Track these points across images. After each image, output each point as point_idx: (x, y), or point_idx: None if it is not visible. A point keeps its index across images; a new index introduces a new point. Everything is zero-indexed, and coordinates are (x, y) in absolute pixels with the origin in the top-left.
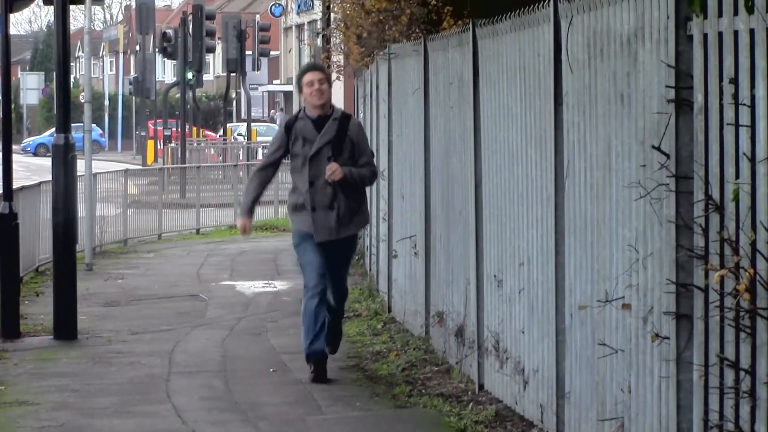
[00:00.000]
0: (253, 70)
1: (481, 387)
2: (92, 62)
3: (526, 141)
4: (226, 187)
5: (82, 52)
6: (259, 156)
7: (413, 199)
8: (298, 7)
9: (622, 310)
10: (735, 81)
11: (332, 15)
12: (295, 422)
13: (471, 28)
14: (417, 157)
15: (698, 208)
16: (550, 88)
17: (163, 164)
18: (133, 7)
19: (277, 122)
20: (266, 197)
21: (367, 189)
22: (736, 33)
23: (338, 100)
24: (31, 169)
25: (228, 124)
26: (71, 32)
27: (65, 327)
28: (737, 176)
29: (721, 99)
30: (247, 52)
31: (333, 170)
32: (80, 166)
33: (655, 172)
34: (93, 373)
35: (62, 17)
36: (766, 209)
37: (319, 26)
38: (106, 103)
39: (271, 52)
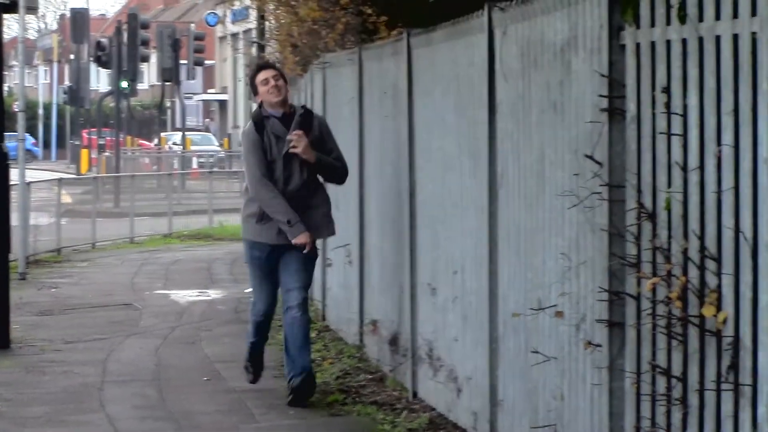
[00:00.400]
0: (188, 79)
1: (414, 395)
2: (26, 71)
3: (460, 150)
4: (160, 196)
5: (16, 60)
6: (194, 165)
7: (347, 207)
8: (233, 16)
9: (555, 318)
10: (667, 90)
11: (267, 24)
12: (229, 431)
13: (405, 38)
14: (351, 166)
15: (631, 217)
16: (484, 98)
17: (97, 173)
18: (68, 16)
19: (212, 131)
20: (200, 206)
21: None
22: (668, 43)
23: None
24: None
25: (162, 133)
26: (5, 41)
27: None
28: (669, 185)
29: (653, 108)
30: (182, 61)
31: (299, 136)
32: (13, 174)
33: (588, 180)
34: (26, 383)
35: None
36: (698, 218)
37: (254, 35)
38: (41, 112)
39: (206, 62)
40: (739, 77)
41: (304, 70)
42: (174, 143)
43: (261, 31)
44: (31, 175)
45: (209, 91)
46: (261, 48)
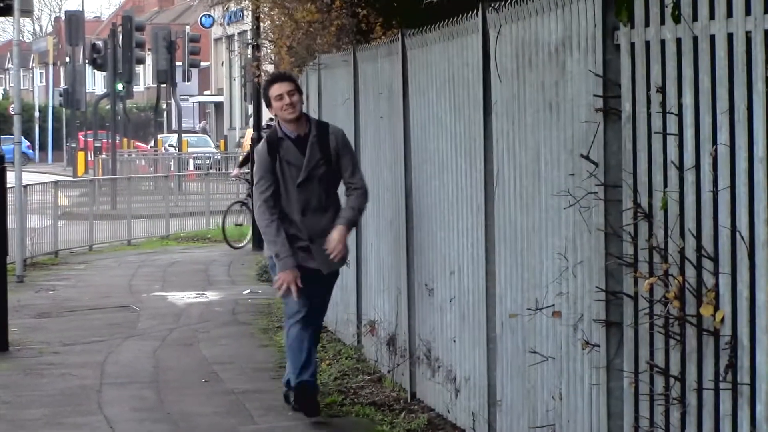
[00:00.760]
0: (184, 81)
1: (413, 395)
2: (22, 74)
3: (456, 150)
4: (157, 198)
5: (12, 63)
6: (191, 167)
7: None
8: (228, 17)
9: (552, 318)
10: (662, 90)
11: (262, 25)
12: None
13: (400, 38)
14: None
15: (627, 216)
16: (479, 98)
17: (94, 176)
18: (63, 18)
19: (202, 130)
20: (197, 208)
21: None
22: (663, 42)
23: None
24: None
25: (159, 135)
26: (0, 44)
27: None
28: (665, 184)
29: (648, 108)
30: (177, 63)
31: (337, 249)
32: (10, 177)
33: (584, 180)
34: (24, 385)
35: None
36: (695, 217)
37: (249, 37)
38: (37, 114)
39: (202, 63)
40: (734, 76)
41: (300, 71)
42: (170, 145)
43: (256, 33)
44: (28, 177)
45: (205, 92)
46: (256, 49)
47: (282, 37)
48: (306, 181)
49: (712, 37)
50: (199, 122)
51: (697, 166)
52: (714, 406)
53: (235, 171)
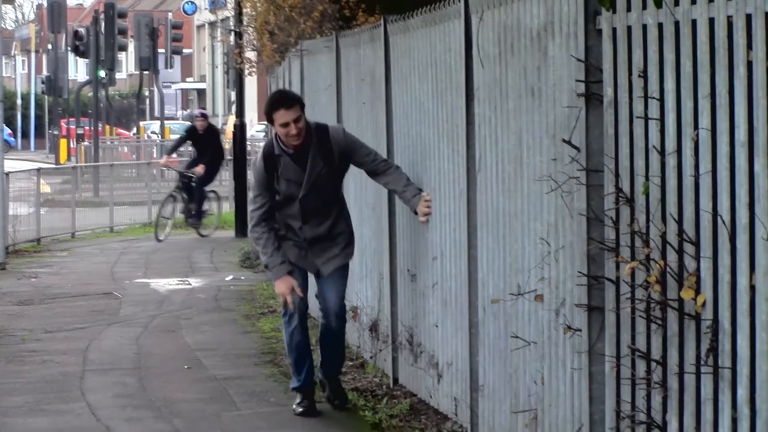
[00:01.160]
0: (166, 68)
1: (395, 381)
2: (4, 61)
3: (438, 136)
4: (139, 185)
5: None
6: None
7: None
8: (211, 4)
9: (534, 303)
10: (644, 75)
11: (244, 11)
12: (210, 418)
13: (383, 24)
14: None
15: (609, 201)
16: (462, 83)
17: (76, 163)
18: (45, 5)
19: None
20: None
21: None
22: (644, 27)
23: (252, 97)
24: None
25: (141, 122)
26: None
27: None
28: (647, 169)
29: (630, 93)
30: (160, 50)
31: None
32: None
33: (566, 165)
34: (7, 372)
35: None
36: (676, 202)
37: (231, 23)
38: (19, 102)
39: (184, 50)
40: (715, 61)
41: (282, 58)
42: (153, 132)
43: (238, 19)
44: (10, 165)
45: (187, 79)
46: (238, 36)
47: (264, 24)
48: (308, 195)
49: (694, 22)
50: (182, 110)
51: (679, 151)
52: (695, 390)
53: (163, 159)
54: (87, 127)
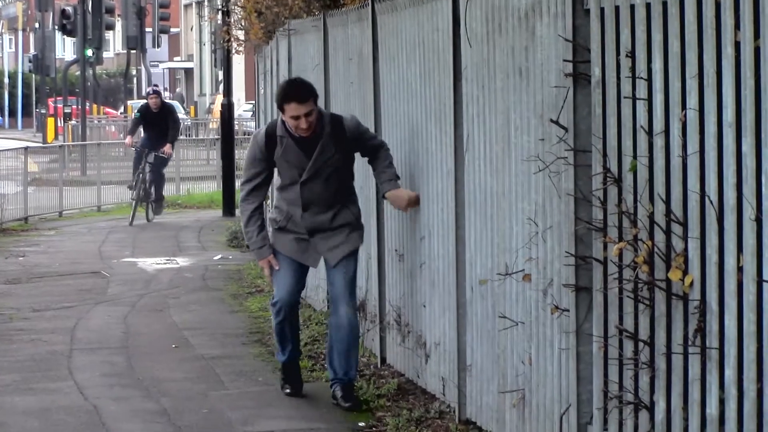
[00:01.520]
0: (153, 47)
1: (383, 361)
2: None
3: (426, 115)
4: (127, 164)
5: None
6: (178, 136)
7: None
8: None
9: (522, 283)
10: (632, 55)
11: None
12: (198, 398)
13: (370, 4)
14: None
15: (597, 181)
16: (449, 63)
17: (64, 142)
18: None
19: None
20: (167, 174)
21: None
22: (632, 7)
23: (239, 76)
24: None
25: (128, 102)
26: None
27: None
28: (635, 149)
29: (618, 73)
30: (147, 29)
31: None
32: None
33: (554, 145)
34: None
35: None
36: (664, 182)
37: (219, 2)
38: (6, 80)
39: (171, 29)
40: (703, 41)
41: (270, 37)
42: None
43: None
44: None
45: (175, 59)
46: (226, 15)
47: (252, 3)
48: (310, 180)
49: (682, 2)
50: (171, 90)
51: (667, 131)
52: (683, 371)
53: (128, 139)
54: (74, 106)
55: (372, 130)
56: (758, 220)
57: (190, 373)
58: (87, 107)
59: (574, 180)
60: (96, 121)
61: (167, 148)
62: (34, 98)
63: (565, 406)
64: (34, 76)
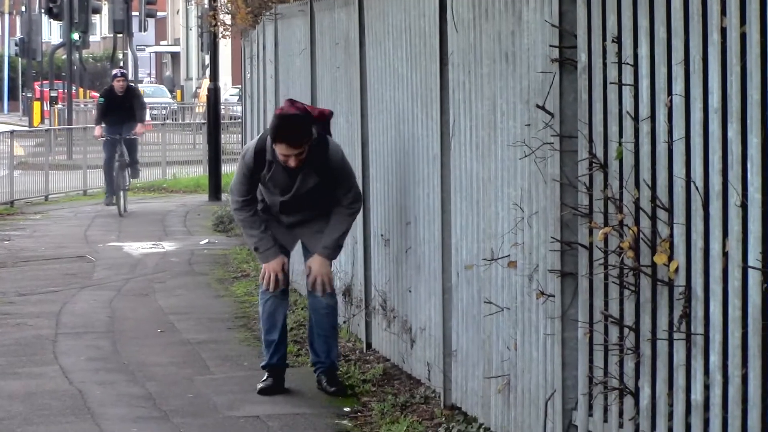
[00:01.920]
0: (140, 31)
1: (368, 346)
2: None
3: (413, 101)
4: None
5: None
6: (146, 117)
7: None
8: None
9: (507, 269)
10: (618, 40)
11: None
12: (183, 382)
13: None
14: None
15: (582, 167)
16: (436, 48)
17: (50, 125)
18: None
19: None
20: (153, 158)
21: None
22: None
23: (226, 60)
24: None
25: None
26: None
27: None
28: (621, 135)
29: (604, 58)
30: (134, 13)
31: (318, 281)
32: None
33: (540, 131)
34: None
35: None
36: (650, 168)
37: None
38: None
39: (158, 13)
40: (689, 27)
41: (256, 21)
42: None
43: None
44: None
45: (161, 43)
46: None
47: None
48: (291, 200)
49: None
50: (158, 74)
51: (653, 117)
52: (668, 356)
53: (97, 130)
54: (60, 90)
55: (358, 114)
56: (743, 206)
57: (175, 357)
58: (73, 91)
59: (560, 165)
60: (82, 105)
61: (139, 128)
62: (20, 82)
63: (551, 391)
64: (20, 59)
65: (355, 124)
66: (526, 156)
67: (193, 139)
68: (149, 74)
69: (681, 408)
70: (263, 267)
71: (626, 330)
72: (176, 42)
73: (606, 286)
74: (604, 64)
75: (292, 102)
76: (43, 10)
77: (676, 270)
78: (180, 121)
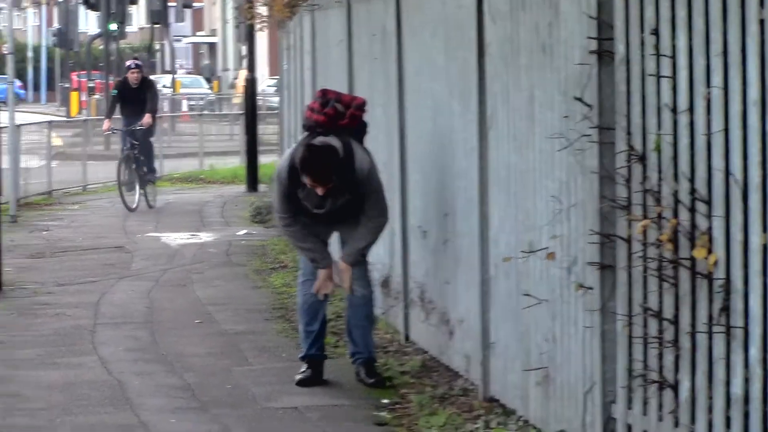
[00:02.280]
0: (177, 21)
1: (407, 338)
2: (15, 14)
3: (450, 92)
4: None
5: (5, 3)
6: (184, 108)
7: None
8: None
9: (546, 261)
10: (656, 32)
11: None
12: (221, 373)
13: None
14: None
15: (621, 159)
16: (473, 40)
17: (87, 116)
18: None
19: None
20: (190, 149)
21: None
22: None
23: (263, 51)
24: None
25: (152, 76)
26: None
27: None
28: (659, 127)
29: (642, 50)
30: (171, 4)
31: (347, 282)
32: (3, 117)
33: (578, 123)
34: (18, 325)
35: None
36: (688, 160)
37: None
38: (30, 54)
39: (195, 4)
40: (727, 18)
41: (293, 13)
42: (164, 86)
43: None
44: (21, 117)
45: (198, 33)
46: None
47: None
48: (327, 212)
49: None
50: (195, 64)
51: (691, 109)
52: (707, 350)
53: (106, 124)
54: (98, 80)
55: (396, 106)
56: None
57: (213, 348)
58: (110, 81)
59: (598, 157)
60: None
61: (146, 118)
62: (57, 72)
63: (589, 384)
64: (57, 50)
65: (392, 116)
66: (564, 148)
67: (230, 130)
68: (181, 65)
69: (721, 401)
70: (319, 280)
71: (665, 323)
72: (213, 33)
73: (645, 278)
74: (642, 56)
75: (324, 92)
76: (80, 1)
77: (715, 263)
78: (217, 112)
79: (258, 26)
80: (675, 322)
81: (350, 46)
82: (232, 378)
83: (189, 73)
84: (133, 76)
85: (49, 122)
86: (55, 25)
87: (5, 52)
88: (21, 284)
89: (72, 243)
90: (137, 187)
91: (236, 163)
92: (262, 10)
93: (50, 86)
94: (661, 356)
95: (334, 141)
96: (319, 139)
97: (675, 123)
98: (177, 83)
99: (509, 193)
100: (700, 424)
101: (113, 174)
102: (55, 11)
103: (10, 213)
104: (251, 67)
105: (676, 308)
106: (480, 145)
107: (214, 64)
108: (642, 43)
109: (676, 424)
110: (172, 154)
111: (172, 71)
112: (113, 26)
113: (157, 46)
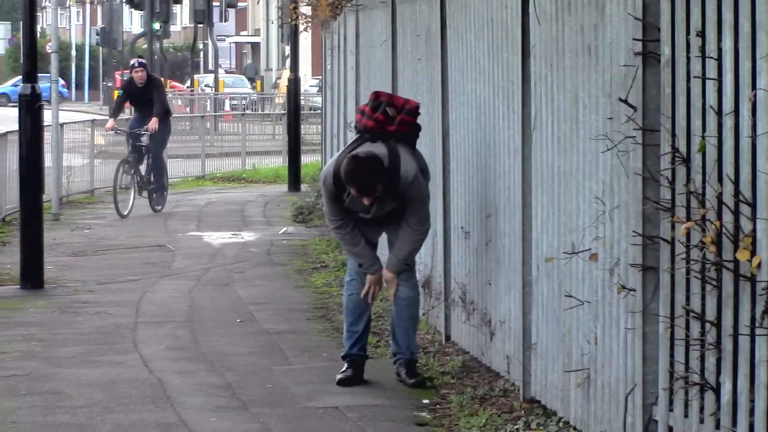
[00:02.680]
0: (221, 21)
1: (447, 338)
2: (59, 12)
3: (494, 93)
4: (193, 138)
5: (49, 1)
6: (227, 107)
7: None
8: None
9: (588, 262)
10: (702, 34)
11: None
12: (262, 372)
13: None
14: None
15: (665, 161)
16: (518, 41)
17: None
18: None
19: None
20: (233, 148)
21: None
22: None
23: (306, 51)
24: None
25: (195, 76)
26: None
27: (32, 276)
28: (704, 129)
29: (688, 52)
30: (215, 3)
31: (392, 290)
32: (47, 116)
33: (622, 124)
34: (60, 323)
35: None
36: (733, 162)
37: None
38: (73, 53)
39: (239, 3)
40: None
41: (337, 13)
42: (206, 85)
43: None
44: (64, 116)
45: (242, 33)
46: None
47: None
48: (374, 217)
49: None
50: (238, 64)
51: (736, 111)
52: (750, 352)
53: (110, 122)
54: None
55: (439, 107)
56: None
57: (254, 347)
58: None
59: (642, 159)
60: None
61: (151, 123)
62: (100, 71)
63: (631, 386)
64: (101, 48)
65: (435, 116)
66: (608, 149)
67: (272, 130)
68: (221, 65)
69: (763, 404)
70: (368, 284)
71: (708, 325)
72: (256, 32)
73: (688, 280)
74: (688, 58)
75: (377, 94)
76: (124, 0)
77: (759, 265)
78: (260, 112)
79: (302, 26)
80: (717, 324)
81: (394, 47)
82: (273, 377)
83: (229, 72)
84: (137, 76)
85: (92, 121)
86: (99, 23)
87: (49, 51)
88: (63, 282)
89: (113, 241)
90: (132, 193)
91: (278, 162)
92: (306, 10)
93: (93, 85)
94: (702, 358)
95: (379, 149)
96: (365, 149)
97: (720, 125)
98: (220, 83)
99: (552, 194)
100: (741, 426)
101: None
102: (99, 10)
103: (53, 211)
104: (294, 67)
105: (719, 310)
106: (523, 146)
107: (257, 64)
108: (687, 45)
109: (717, 426)
110: (215, 154)
111: (216, 70)
112: (157, 25)
113: (201, 46)
